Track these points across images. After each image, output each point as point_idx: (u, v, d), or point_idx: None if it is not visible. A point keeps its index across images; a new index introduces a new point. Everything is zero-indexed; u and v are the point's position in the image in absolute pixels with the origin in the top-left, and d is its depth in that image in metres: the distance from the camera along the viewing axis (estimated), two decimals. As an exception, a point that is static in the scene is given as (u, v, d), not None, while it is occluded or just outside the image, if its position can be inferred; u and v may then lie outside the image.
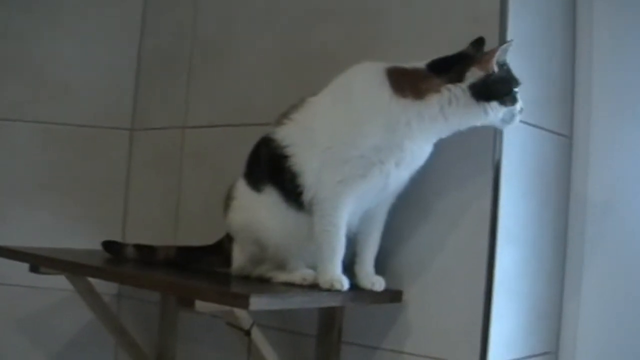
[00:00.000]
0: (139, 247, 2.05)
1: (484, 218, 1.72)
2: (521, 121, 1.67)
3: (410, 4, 1.88)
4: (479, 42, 1.63)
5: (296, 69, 2.10)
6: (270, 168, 1.70)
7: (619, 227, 1.91)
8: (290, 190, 1.67)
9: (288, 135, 1.69)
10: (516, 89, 1.61)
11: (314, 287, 1.66)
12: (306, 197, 1.66)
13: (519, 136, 1.76)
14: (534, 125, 1.82)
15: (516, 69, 1.64)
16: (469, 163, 1.75)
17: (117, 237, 2.28)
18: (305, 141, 1.67)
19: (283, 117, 1.73)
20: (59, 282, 2.11)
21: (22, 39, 2.55)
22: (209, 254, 1.94)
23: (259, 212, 1.71)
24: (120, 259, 2.05)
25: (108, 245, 2.09)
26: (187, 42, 2.45)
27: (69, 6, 2.58)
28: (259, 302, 1.47)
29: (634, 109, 1.91)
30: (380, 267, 1.76)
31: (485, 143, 1.72)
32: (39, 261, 2.00)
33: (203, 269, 1.93)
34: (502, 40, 1.69)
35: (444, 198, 1.77)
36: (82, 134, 2.55)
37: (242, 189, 1.76)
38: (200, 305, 1.56)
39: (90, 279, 2.13)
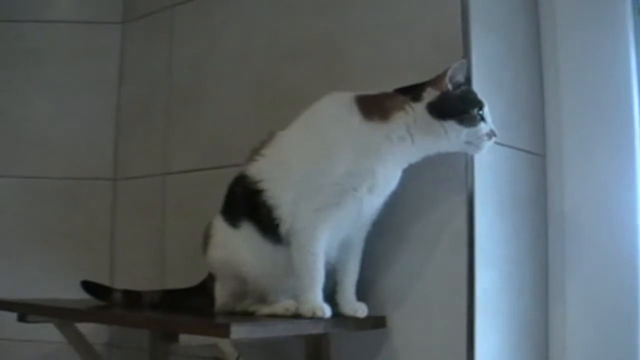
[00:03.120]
0: (125, 292, 2.07)
1: (461, 240, 1.73)
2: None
3: (375, 41, 1.92)
4: None
5: (269, 110, 2.14)
6: (246, 204, 1.72)
7: (597, 242, 1.91)
8: (267, 224, 1.69)
9: (261, 171, 1.71)
10: (477, 110, 1.63)
11: (297, 316, 1.66)
12: (283, 229, 1.67)
13: (491, 156, 1.76)
14: (505, 145, 1.84)
15: (483, 90, 1.67)
16: (443, 186, 1.76)
17: (105, 286, 2.28)
18: (278, 174, 1.69)
19: (254, 153, 1.76)
20: (49, 334, 2.11)
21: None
22: (193, 294, 1.95)
23: (237, 247, 1.73)
24: (105, 301, 2.07)
25: (88, 286, 2.11)
26: (164, 90, 2.49)
27: (47, 59, 2.62)
28: (240, 331, 1.47)
29: (604, 123, 1.93)
30: (363, 294, 1.77)
31: (458, 165, 1.74)
32: (25, 309, 2.00)
33: (188, 309, 1.94)
34: (468, 64, 1.72)
35: (419, 222, 1.78)
36: (64, 186, 2.57)
37: (220, 225, 1.77)
38: (184, 339, 1.56)
39: (80, 329, 2.12)
